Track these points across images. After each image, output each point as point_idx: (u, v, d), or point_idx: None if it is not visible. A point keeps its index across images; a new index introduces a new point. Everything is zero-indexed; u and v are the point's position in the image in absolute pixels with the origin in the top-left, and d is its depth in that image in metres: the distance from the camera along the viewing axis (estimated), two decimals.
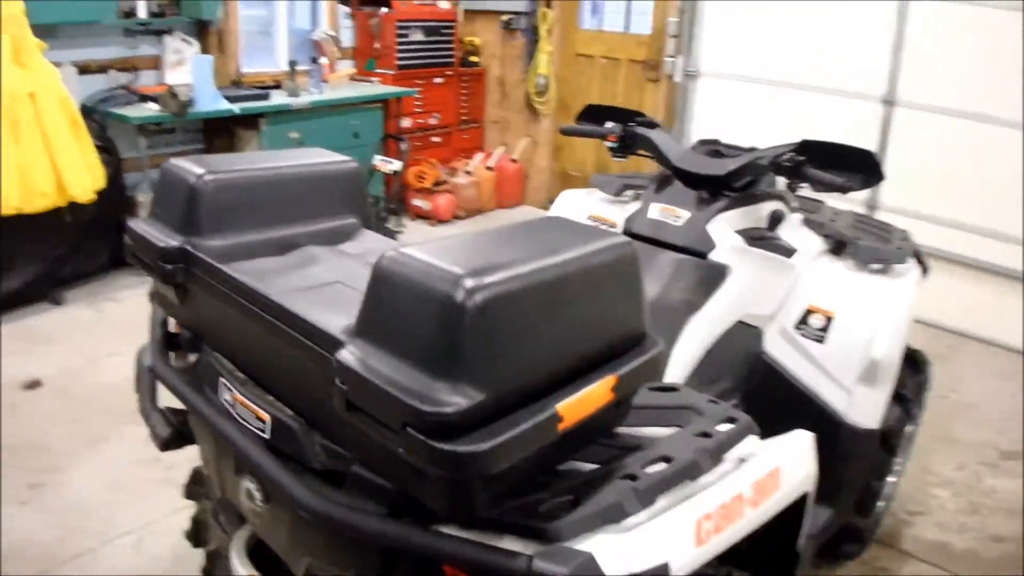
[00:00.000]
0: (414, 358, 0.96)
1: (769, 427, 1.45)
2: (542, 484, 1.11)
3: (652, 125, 2.36)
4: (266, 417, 1.22)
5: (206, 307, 1.38)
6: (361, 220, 1.58)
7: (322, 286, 1.29)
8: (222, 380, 1.32)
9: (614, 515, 1.07)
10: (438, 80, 6.18)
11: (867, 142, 4.52)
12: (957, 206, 4.46)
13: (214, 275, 1.30)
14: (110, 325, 4.07)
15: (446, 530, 1.06)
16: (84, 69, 4.27)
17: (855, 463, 2.14)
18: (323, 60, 5.23)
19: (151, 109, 4.21)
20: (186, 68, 4.58)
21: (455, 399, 0.91)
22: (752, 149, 2.25)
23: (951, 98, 4.34)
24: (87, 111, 4.16)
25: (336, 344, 1.04)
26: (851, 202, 3.66)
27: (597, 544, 1.02)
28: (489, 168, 6.40)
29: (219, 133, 4.98)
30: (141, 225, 1.42)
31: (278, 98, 4.83)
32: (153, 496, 2.77)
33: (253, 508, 1.35)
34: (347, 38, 5.89)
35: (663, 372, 1.20)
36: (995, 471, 3.30)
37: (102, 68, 4.40)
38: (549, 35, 6.19)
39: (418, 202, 5.98)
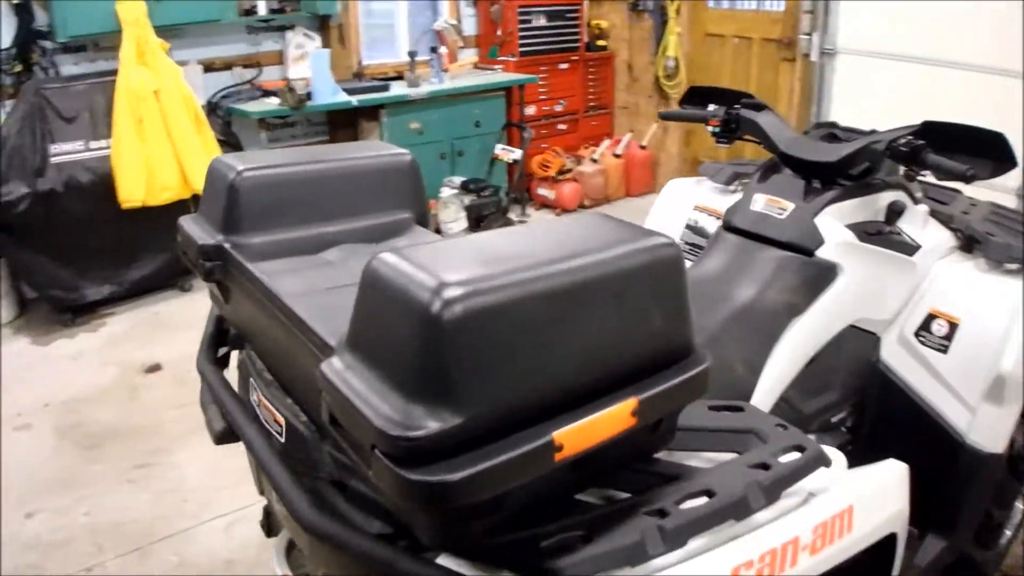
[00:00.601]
0: (391, 374, 0.86)
1: (882, 444, 1.23)
2: (552, 515, 0.98)
3: (760, 107, 2.13)
4: (282, 421, 1.18)
5: (241, 305, 1.36)
6: (416, 215, 1.49)
7: (343, 287, 1.21)
8: (252, 380, 1.30)
9: (632, 557, 0.93)
10: (563, 66, 6.04)
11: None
12: None
13: (243, 273, 1.27)
14: None
15: (440, 560, 0.95)
16: (209, 67, 4.47)
17: (975, 489, 1.85)
18: (443, 50, 5.23)
19: (271, 104, 4.34)
20: (308, 62, 4.69)
21: (427, 423, 0.81)
22: (871, 132, 1.98)
23: None
24: (212, 107, 4.36)
25: (328, 352, 0.96)
26: (1000, 192, 3.24)
27: None
28: (617, 155, 6.20)
29: (342, 126, 5.09)
30: (188, 222, 1.41)
31: (398, 89, 4.87)
32: (248, 484, 2.81)
33: (281, 512, 1.32)
34: (469, 27, 5.86)
35: (704, 390, 1.02)
36: None
37: (227, 65, 4.59)
38: (678, 15, 5.92)
39: (543, 191, 5.87)
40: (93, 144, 3.86)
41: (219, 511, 2.71)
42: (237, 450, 3.06)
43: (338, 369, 0.91)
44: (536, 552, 0.92)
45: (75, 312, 4.08)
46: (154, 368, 3.66)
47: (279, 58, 4.79)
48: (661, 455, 1.11)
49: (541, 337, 0.88)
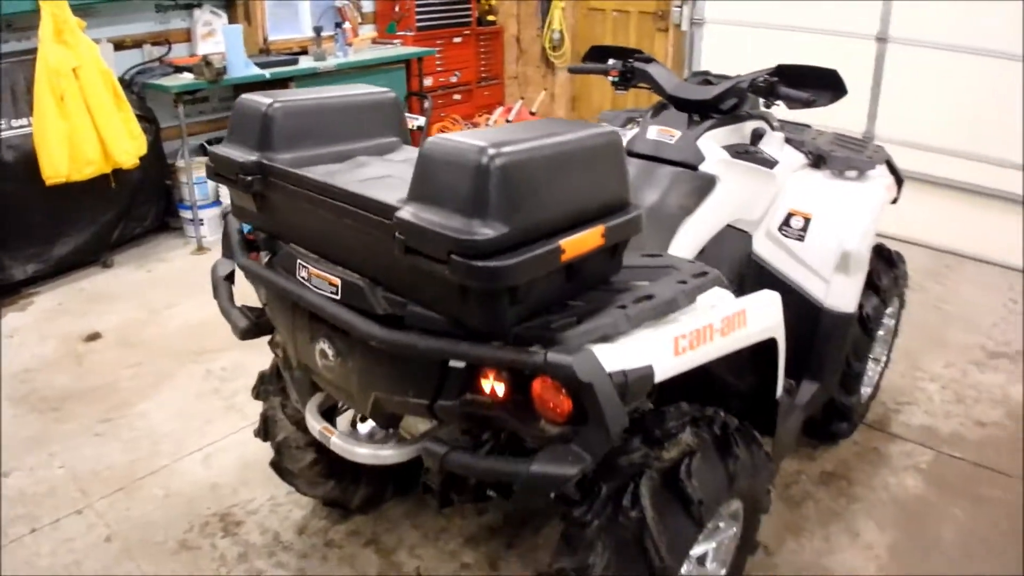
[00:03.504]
0: (454, 208, 1.28)
1: None
2: (554, 311, 1.43)
3: (648, 60, 2.60)
4: (337, 281, 1.54)
5: (281, 207, 1.69)
6: (402, 139, 1.90)
7: (375, 179, 1.61)
8: (299, 262, 1.63)
9: (609, 332, 1.40)
10: (457, 40, 6.41)
11: (863, 78, 4.76)
12: (952, 135, 4.64)
13: (289, 178, 1.61)
14: (162, 283, 4.40)
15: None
16: (119, 45, 4.56)
17: (835, 343, 2.43)
18: (347, 25, 5.47)
19: (187, 78, 4.49)
20: (216, 39, 4.85)
21: (486, 231, 1.24)
22: (737, 77, 2.48)
23: (943, 33, 4.52)
24: (126, 84, 4.45)
25: (393, 209, 1.36)
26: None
27: (595, 348, 1.35)
28: (508, 121, 6.61)
29: None
30: (221, 148, 1.72)
31: (305, 63, 5.09)
32: (217, 421, 3.11)
33: (326, 365, 1.67)
34: (368, 3, 6.11)
35: (639, 230, 1.51)
36: (982, 368, 3.53)
37: (137, 43, 4.68)
38: None
39: None
40: (15, 123, 3.93)
41: (193, 447, 2.94)
42: (201, 396, 3.26)
43: (410, 213, 1.32)
44: (550, 330, 1.35)
45: (0, 293, 4.13)
46: (94, 336, 3.78)
47: (187, 36, 4.91)
48: (614, 280, 1.58)
49: (545, 182, 1.34)
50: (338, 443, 1.80)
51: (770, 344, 1.77)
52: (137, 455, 2.91)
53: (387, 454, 1.75)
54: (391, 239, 1.33)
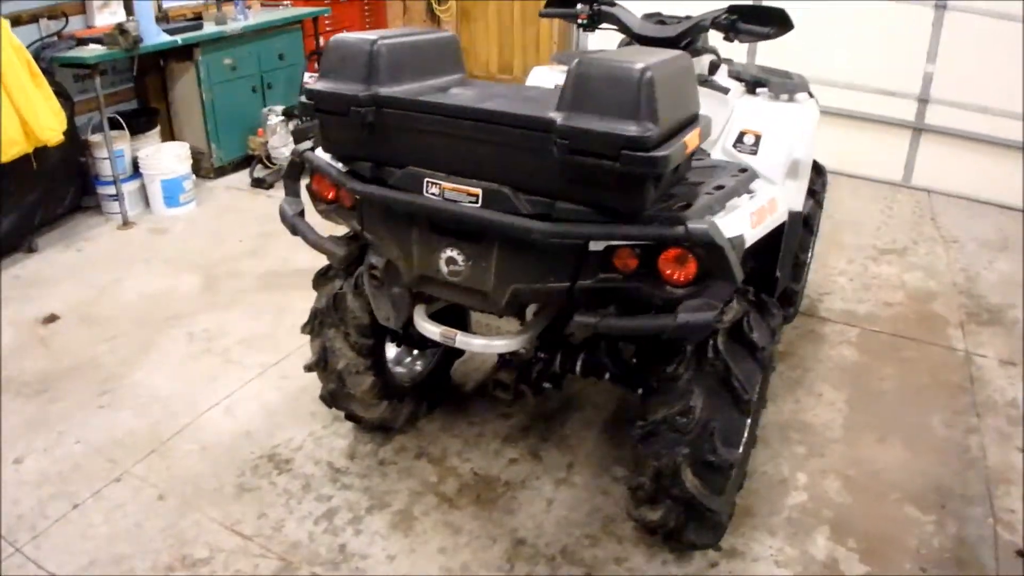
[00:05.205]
0: (616, 113, 1.59)
1: None
2: (667, 198, 1.78)
3: (612, 3, 2.92)
4: (477, 191, 1.77)
5: (399, 134, 1.87)
6: (465, 74, 2.13)
7: (495, 97, 1.85)
8: (427, 180, 1.83)
9: (711, 212, 1.77)
10: None
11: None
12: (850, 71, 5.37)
13: (418, 106, 1.80)
14: (97, 261, 4.29)
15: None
16: (16, 20, 4.31)
17: (789, 237, 2.88)
18: None
19: (99, 50, 4.34)
20: (112, 9, 4.69)
21: (650, 129, 1.57)
22: (688, 17, 2.85)
23: None
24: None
25: (548, 122, 1.63)
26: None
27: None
28: None
29: (150, 70, 5.13)
30: (320, 84, 1.89)
31: (210, 28, 5.00)
32: (222, 377, 3.19)
33: (454, 270, 1.89)
34: None
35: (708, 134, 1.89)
36: (877, 262, 4.22)
37: (33, 17, 4.44)
38: None
39: None
40: None
41: (209, 403, 3.00)
42: (194, 357, 3.33)
43: (573, 121, 1.60)
44: (671, 211, 1.71)
45: None
46: (51, 319, 3.66)
47: (82, 8, 4.71)
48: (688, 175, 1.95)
49: (671, 92, 1.66)
50: (464, 339, 2.07)
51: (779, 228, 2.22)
52: (153, 419, 2.93)
53: (500, 343, 2.06)
54: (540, 148, 1.60)
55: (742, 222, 1.83)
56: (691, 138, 1.70)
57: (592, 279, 1.80)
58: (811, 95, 3.13)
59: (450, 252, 1.88)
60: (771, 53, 4.29)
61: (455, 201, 1.80)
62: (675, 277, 1.74)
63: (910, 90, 5.33)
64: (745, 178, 1.98)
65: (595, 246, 1.76)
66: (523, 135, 1.67)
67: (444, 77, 2.02)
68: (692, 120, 1.78)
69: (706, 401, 1.96)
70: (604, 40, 3.44)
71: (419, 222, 1.92)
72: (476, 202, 1.77)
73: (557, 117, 1.63)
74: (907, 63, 5.27)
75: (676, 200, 1.76)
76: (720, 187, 1.87)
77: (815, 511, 2.51)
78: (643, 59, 1.63)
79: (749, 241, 1.83)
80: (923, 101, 5.33)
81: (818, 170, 3.27)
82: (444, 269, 1.91)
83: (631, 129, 1.56)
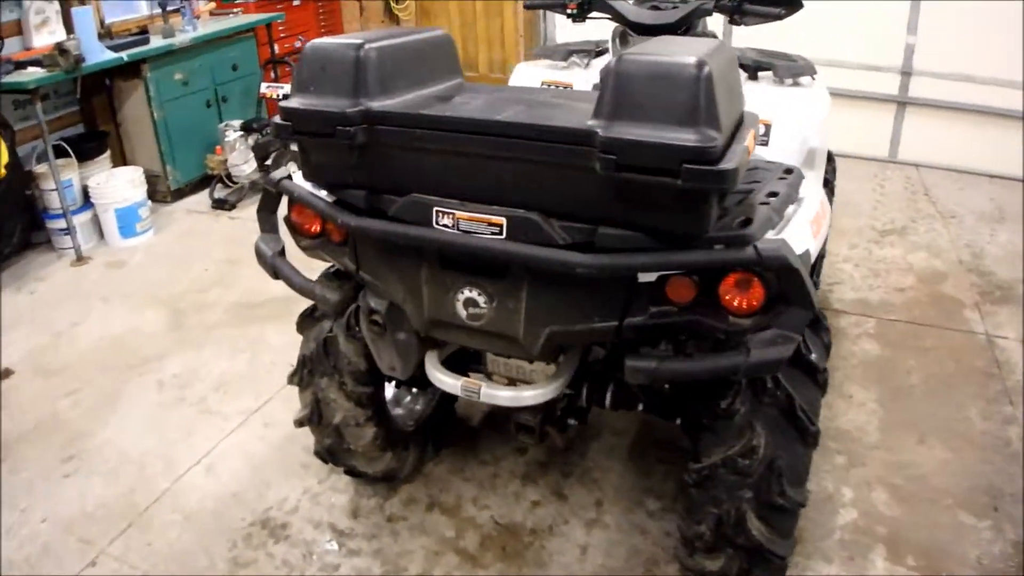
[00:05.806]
0: (667, 120, 1.31)
1: None
2: (725, 214, 1.51)
3: None
4: (501, 221, 1.48)
5: (397, 155, 1.57)
6: (461, 79, 1.84)
7: (505, 107, 1.55)
8: (436, 209, 1.53)
9: (771, 225, 1.53)
10: (296, 2, 6.09)
11: None
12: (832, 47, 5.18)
13: (418, 122, 1.50)
14: (51, 302, 3.95)
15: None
16: None
17: None
18: None
19: (38, 73, 3.98)
20: (51, 28, 4.34)
21: (714, 138, 1.29)
22: (686, 1, 2.62)
23: None
24: None
25: (588, 133, 1.35)
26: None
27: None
28: None
29: (94, 91, 4.77)
30: (297, 102, 1.57)
31: (157, 42, 4.66)
32: (198, 428, 2.89)
33: (474, 313, 1.62)
34: None
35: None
36: (880, 245, 4.05)
37: None
38: None
39: None
40: None
41: (188, 462, 2.70)
42: (166, 407, 2.99)
43: (614, 134, 1.32)
44: (732, 230, 1.43)
45: None
46: (6, 373, 3.34)
47: (18, 28, 4.34)
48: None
49: (727, 90, 1.39)
50: (489, 392, 1.80)
51: None
52: (127, 485, 2.62)
53: (530, 394, 1.79)
54: (578, 165, 1.33)
55: (804, 235, 1.58)
56: (749, 142, 1.43)
57: (643, 315, 1.53)
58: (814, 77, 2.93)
59: (469, 292, 1.61)
60: (750, 34, 4.14)
61: (473, 233, 1.52)
62: (739, 305, 1.48)
63: (892, 63, 5.17)
64: (795, 180, 1.73)
65: (646, 276, 1.50)
66: (556, 150, 1.39)
67: (441, 84, 1.74)
68: (742, 120, 1.52)
69: (769, 437, 1.72)
70: (580, 32, 3.21)
71: (428, 258, 1.64)
72: (500, 233, 1.49)
73: (598, 127, 1.35)
74: (888, 35, 5.11)
75: (733, 215, 1.49)
76: (774, 194, 1.62)
77: (867, 529, 2.31)
78: (691, 52, 1.36)
79: (814, 254, 1.59)
80: (906, 74, 5.18)
81: (829, 156, 3.08)
82: (462, 312, 1.63)
83: (692, 138, 1.29)
